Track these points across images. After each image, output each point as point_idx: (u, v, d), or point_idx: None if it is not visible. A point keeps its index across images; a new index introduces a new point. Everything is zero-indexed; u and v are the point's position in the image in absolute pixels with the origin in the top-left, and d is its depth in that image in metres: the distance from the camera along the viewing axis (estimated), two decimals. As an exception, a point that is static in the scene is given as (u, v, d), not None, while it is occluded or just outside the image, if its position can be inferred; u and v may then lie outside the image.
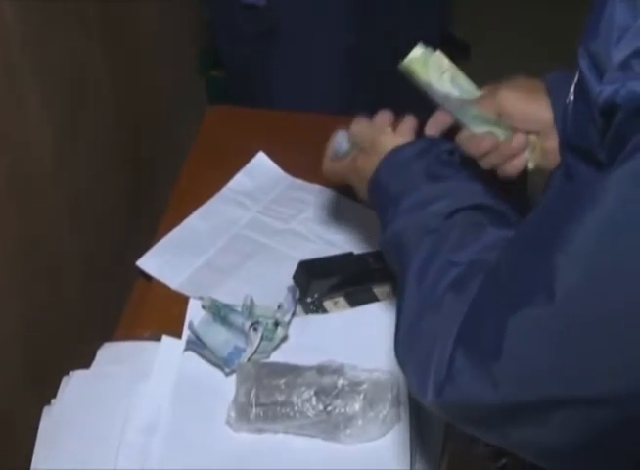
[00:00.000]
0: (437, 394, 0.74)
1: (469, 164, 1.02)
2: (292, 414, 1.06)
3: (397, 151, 1.00)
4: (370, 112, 1.11)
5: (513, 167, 1.05)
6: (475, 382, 0.71)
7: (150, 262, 1.31)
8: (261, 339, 1.14)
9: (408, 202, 0.92)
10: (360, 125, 1.10)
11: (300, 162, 1.45)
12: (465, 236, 0.84)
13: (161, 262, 1.31)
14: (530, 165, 1.06)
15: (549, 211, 0.74)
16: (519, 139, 1.04)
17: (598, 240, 0.65)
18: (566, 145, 0.78)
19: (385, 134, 1.06)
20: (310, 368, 1.09)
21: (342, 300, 1.22)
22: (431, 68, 1.08)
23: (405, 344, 0.82)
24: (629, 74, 0.66)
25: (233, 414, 1.08)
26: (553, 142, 0.96)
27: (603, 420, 0.68)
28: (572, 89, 0.79)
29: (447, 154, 1.00)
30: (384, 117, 1.09)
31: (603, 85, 0.68)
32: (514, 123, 1.04)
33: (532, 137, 1.05)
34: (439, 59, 1.08)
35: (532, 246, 0.72)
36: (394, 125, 1.08)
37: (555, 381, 0.68)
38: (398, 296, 0.86)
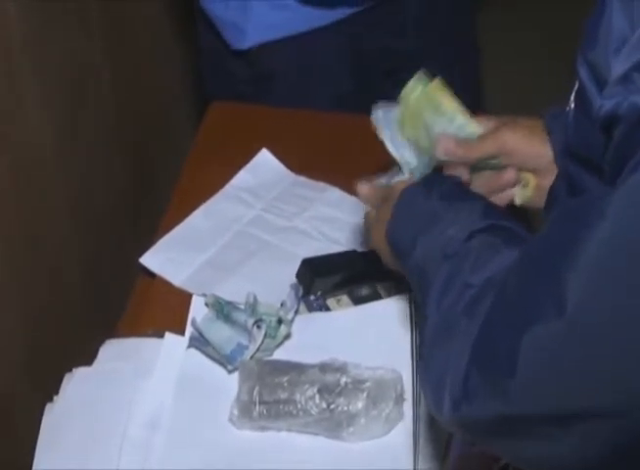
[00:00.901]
0: (453, 411, 0.74)
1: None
2: (295, 412, 1.06)
3: (406, 191, 0.99)
4: None
5: (498, 200, 1.05)
6: (490, 399, 0.71)
7: (153, 259, 1.31)
8: (264, 336, 1.14)
9: (425, 232, 0.91)
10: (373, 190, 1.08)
11: (304, 159, 1.45)
12: (480, 258, 0.83)
13: (165, 259, 1.31)
14: (517, 201, 1.06)
15: (555, 229, 0.73)
16: (509, 175, 1.05)
17: (607, 256, 0.65)
18: (568, 153, 0.78)
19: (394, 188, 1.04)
20: (313, 366, 1.09)
21: (345, 297, 1.21)
22: (427, 104, 1.06)
23: (425, 364, 0.82)
24: (630, 88, 0.66)
25: (236, 412, 1.08)
26: (550, 180, 0.95)
27: (620, 433, 0.67)
28: (572, 97, 0.78)
29: (454, 182, 1.00)
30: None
31: (604, 99, 0.68)
32: (513, 161, 1.04)
33: (527, 174, 1.05)
34: (437, 92, 1.05)
35: (541, 263, 0.71)
36: None
37: (570, 395, 0.67)
38: (422, 321, 0.86)
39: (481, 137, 1.05)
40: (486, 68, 1.84)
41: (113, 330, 1.25)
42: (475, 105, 1.86)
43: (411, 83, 1.06)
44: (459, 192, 0.98)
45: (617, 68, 0.67)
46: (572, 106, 0.78)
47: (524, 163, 1.04)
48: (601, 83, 0.69)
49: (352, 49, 1.58)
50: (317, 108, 1.58)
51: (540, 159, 1.02)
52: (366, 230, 1.12)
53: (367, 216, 1.09)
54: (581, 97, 0.73)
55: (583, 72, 0.72)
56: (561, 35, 2.07)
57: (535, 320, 0.67)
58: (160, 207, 1.45)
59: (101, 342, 1.20)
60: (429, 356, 0.82)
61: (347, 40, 1.56)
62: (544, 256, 0.71)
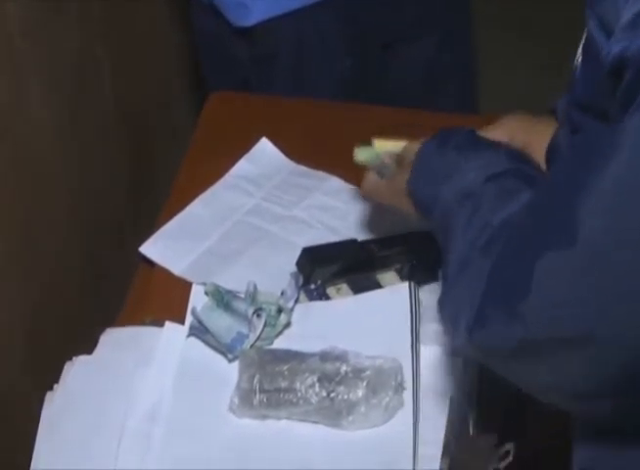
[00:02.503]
0: (470, 337, 0.77)
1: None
2: (295, 401, 1.06)
3: (422, 149, 1.01)
4: None
5: None
6: (504, 324, 0.73)
7: (153, 248, 1.31)
8: (264, 325, 1.14)
9: (447, 181, 0.94)
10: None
11: (304, 148, 1.45)
12: (500, 199, 0.86)
13: (164, 248, 1.31)
14: None
15: (569, 161, 0.76)
16: None
17: (619, 186, 0.67)
18: (573, 105, 0.79)
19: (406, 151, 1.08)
20: (313, 355, 1.09)
21: (345, 286, 1.21)
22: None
23: (443, 298, 0.86)
24: (637, 32, 0.67)
25: (236, 400, 1.08)
26: None
27: (632, 356, 0.70)
28: (580, 51, 0.79)
29: (468, 132, 1.01)
30: None
31: (611, 45, 0.69)
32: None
33: None
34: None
35: (555, 193, 0.74)
36: None
37: (582, 318, 0.70)
38: (444, 264, 0.88)
39: (490, 127, 1.05)
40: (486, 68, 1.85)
41: (113, 319, 1.26)
42: (468, 82, 1.86)
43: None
44: (474, 141, 1.00)
45: (625, 15, 0.69)
46: (580, 59, 0.79)
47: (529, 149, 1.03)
48: (609, 33, 0.71)
49: (350, 23, 1.59)
50: (317, 84, 1.59)
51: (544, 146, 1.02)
52: (370, 192, 1.16)
53: (369, 180, 1.14)
54: (589, 48, 0.75)
55: (592, 24, 0.74)
56: (559, 34, 2.07)
57: (548, 247, 0.70)
58: (160, 196, 1.45)
59: (101, 331, 1.20)
60: (447, 291, 0.85)
61: (345, 14, 1.57)
62: (558, 186, 0.74)
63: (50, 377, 1.15)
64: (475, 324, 0.76)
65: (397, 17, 1.62)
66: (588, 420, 0.83)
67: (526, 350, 0.73)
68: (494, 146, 0.98)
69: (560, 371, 0.73)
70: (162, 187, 1.47)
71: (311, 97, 1.60)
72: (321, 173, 1.41)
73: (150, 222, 1.37)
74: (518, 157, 0.95)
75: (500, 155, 0.94)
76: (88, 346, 1.19)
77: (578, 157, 0.73)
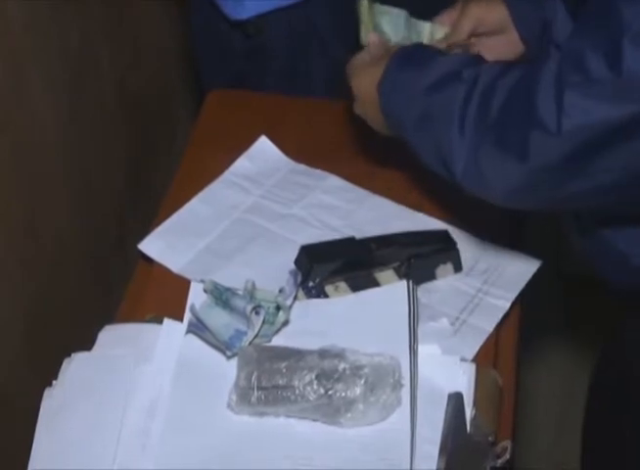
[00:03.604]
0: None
1: None
2: (293, 398, 1.07)
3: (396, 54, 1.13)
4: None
5: None
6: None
7: (151, 246, 1.31)
8: (263, 323, 1.14)
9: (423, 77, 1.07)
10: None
11: (303, 146, 1.45)
12: (494, 70, 1.00)
13: (163, 246, 1.31)
14: None
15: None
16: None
17: None
18: None
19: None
20: (311, 352, 1.09)
21: (343, 284, 1.22)
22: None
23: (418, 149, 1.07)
24: None
25: (234, 397, 1.08)
26: (514, 34, 1.24)
27: None
28: None
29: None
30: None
31: None
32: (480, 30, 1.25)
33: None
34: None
35: (595, 30, 0.86)
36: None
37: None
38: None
39: (457, 20, 1.25)
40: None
41: (112, 315, 1.26)
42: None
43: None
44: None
45: None
46: None
47: (492, 27, 1.24)
48: None
49: (344, 18, 1.58)
50: (311, 78, 1.59)
51: (506, 18, 1.23)
52: (352, 71, 1.22)
53: (357, 59, 1.22)
54: None
55: None
56: None
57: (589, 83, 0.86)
58: (160, 190, 1.45)
59: (100, 327, 1.20)
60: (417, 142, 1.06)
61: (339, 7, 1.57)
62: (597, 21, 0.87)
63: (49, 373, 1.15)
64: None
65: None
66: None
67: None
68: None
69: (589, 181, 0.92)
70: (162, 184, 1.47)
71: (305, 91, 1.60)
72: (320, 172, 1.41)
73: (150, 219, 1.37)
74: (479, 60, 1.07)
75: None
76: (87, 342, 1.19)
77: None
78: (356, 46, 1.52)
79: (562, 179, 0.93)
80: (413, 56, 1.12)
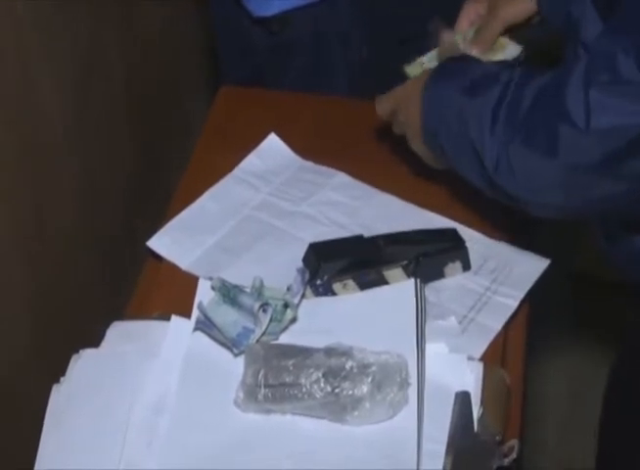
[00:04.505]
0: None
1: None
2: (300, 395, 1.07)
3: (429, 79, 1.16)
4: None
5: None
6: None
7: (160, 242, 1.32)
8: (270, 320, 1.14)
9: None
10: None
11: (312, 144, 1.45)
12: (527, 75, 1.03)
13: (172, 243, 1.31)
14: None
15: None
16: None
17: None
18: None
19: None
20: (319, 350, 1.09)
21: (351, 282, 1.22)
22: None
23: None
24: None
25: (241, 395, 1.09)
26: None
27: None
28: None
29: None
30: None
31: None
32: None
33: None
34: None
35: (627, 32, 0.88)
36: None
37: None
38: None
39: (487, 21, 1.26)
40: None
41: (120, 312, 1.26)
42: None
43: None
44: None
45: None
46: None
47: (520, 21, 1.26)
48: None
49: (367, 17, 1.59)
50: (333, 75, 1.60)
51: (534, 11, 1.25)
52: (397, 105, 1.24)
53: (398, 91, 1.25)
54: None
55: None
56: None
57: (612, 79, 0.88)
58: (170, 187, 1.45)
59: (108, 324, 1.21)
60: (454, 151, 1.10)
61: (362, 8, 1.58)
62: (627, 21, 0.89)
63: (57, 370, 1.16)
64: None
65: (414, 11, 1.63)
66: None
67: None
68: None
69: (608, 186, 0.94)
70: (172, 181, 1.47)
71: (326, 88, 1.60)
72: (328, 169, 1.41)
73: (159, 216, 1.37)
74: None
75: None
76: (95, 339, 1.19)
77: None
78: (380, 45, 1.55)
79: (595, 179, 0.93)
80: (446, 68, 1.15)
